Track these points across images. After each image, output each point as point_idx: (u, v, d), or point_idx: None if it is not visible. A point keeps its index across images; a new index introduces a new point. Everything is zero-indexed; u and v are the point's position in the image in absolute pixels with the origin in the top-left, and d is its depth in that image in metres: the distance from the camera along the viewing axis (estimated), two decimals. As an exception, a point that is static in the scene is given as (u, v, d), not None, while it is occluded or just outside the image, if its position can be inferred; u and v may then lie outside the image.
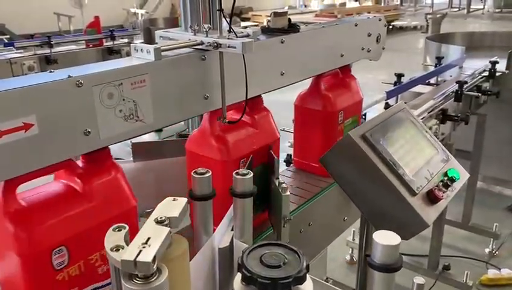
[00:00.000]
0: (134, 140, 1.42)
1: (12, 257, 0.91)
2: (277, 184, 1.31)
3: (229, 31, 1.31)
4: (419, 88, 3.26)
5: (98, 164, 1.05)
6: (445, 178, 1.41)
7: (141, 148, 1.46)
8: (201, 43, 1.22)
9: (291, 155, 2.03)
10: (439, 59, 3.49)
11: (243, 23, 10.90)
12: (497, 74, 3.39)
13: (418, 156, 1.42)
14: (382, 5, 18.34)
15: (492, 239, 3.57)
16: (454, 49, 3.86)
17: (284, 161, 2.15)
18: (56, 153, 0.95)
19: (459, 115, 2.74)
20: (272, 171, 1.38)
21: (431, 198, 1.32)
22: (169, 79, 1.15)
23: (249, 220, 1.05)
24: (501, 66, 3.46)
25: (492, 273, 3.23)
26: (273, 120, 1.51)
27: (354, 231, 3.49)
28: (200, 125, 1.37)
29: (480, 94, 2.89)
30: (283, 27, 1.56)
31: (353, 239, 3.48)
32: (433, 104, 2.53)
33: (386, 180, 1.29)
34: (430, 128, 2.60)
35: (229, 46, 1.19)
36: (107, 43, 4.70)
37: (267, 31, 1.53)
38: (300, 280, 0.74)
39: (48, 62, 4.21)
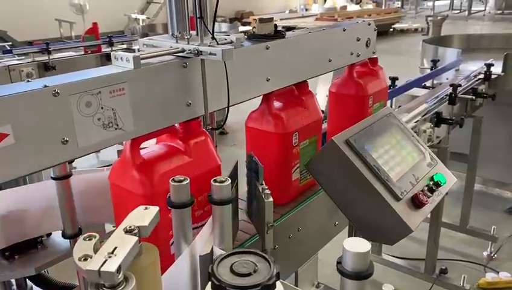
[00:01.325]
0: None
1: (136, 197, 1.15)
2: (260, 190, 1.31)
3: (212, 38, 1.32)
4: (416, 91, 3.26)
5: (192, 130, 1.31)
6: (431, 183, 1.41)
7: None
8: (183, 51, 1.23)
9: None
10: (434, 62, 3.48)
11: (242, 28, 10.91)
12: (493, 77, 3.38)
13: (404, 161, 1.42)
14: (383, 8, 18.32)
15: (490, 242, 3.55)
16: (451, 51, 3.86)
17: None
18: (33, 163, 0.96)
19: (453, 118, 2.73)
20: (257, 177, 1.38)
21: (415, 203, 1.32)
22: (149, 87, 1.15)
23: (228, 227, 1.05)
24: (498, 69, 3.45)
25: (490, 276, 3.21)
26: (317, 102, 1.77)
27: (351, 235, 3.48)
28: (259, 106, 1.67)
29: (474, 97, 2.88)
30: (269, 33, 1.56)
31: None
32: (426, 107, 2.52)
33: (370, 185, 1.29)
34: (425, 131, 2.59)
35: (210, 54, 1.20)
36: (106, 49, 4.71)
37: (253, 37, 1.53)
38: (270, 287, 0.74)
39: (46, 69, 4.22)
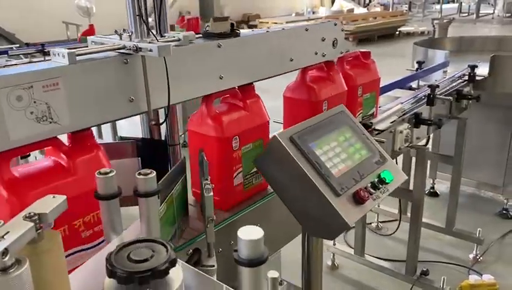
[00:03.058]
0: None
1: (210, 139, 1.54)
2: (203, 185, 1.33)
3: (161, 36, 1.35)
4: (401, 93, 3.25)
5: (248, 92, 1.67)
6: (376, 179, 1.42)
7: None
8: (124, 47, 1.26)
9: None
10: (419, 64, 3.48)
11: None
12: (479, 78, 3.37)
13: (350, 158, 1.43)
14: (390, 10, 18.26)
15: (475, 244, 3.53)
16: (440, 53, 3.84)
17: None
18: (-40, 153, 0.99)
19: (431, 119, 2.73)
20: (202, 172, 1.40)
21: (356, 199, 1.33)
22: (87, 82, 1.18)
23: (155, 219, 1.07)
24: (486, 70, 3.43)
25: (473, 279, 3.19)
26: (341, 78, 2.13)
27: (335, 236, 3.47)
28: (295, 80, 2.04)
29: (451, 98, 2.87)
30: (224, 32, 1.59)
31: (334, 244, 3.46)
32: (400, 108, 2.52)
33: (310, 181, 1.30)
34: (401, 132, 2.59)
35: (149, 50, 1.22)
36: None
37: (206, 35, 1.56)
38: (162, 273, 0.76)
39: (41, 70, 4.29)
